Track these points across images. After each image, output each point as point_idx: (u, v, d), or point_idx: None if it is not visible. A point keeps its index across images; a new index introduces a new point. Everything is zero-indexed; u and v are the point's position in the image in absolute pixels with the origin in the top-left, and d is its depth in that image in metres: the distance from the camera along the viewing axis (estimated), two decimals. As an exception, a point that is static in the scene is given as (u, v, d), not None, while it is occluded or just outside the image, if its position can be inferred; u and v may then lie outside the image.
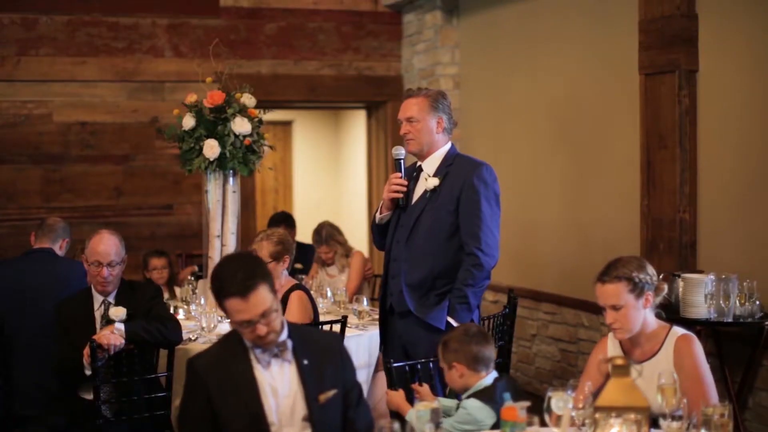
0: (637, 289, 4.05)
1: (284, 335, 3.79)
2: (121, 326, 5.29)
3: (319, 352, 3.84)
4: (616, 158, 7.33)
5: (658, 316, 4.22)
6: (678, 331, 4.12)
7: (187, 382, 3.82)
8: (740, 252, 6.27)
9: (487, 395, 4.16)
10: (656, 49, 6.65)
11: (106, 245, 5.50)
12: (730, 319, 5.83)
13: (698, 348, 4.04)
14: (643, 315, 4.09)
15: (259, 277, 3.68)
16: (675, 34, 6.53)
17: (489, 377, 4.26)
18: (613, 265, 4.10)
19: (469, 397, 4.20)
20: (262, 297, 3.66)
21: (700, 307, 5.87)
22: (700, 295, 5.86)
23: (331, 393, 3.78)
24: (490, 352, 4.29)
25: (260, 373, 3.75)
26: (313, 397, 3.75)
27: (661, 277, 6.18)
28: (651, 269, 4.13)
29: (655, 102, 6.68)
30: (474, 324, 4.47)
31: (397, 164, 5.36)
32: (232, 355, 3.77)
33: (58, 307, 5.59)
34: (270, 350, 3.75)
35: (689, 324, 6.08)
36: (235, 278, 3.66)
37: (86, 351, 5.19)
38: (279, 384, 3.76)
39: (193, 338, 5.81)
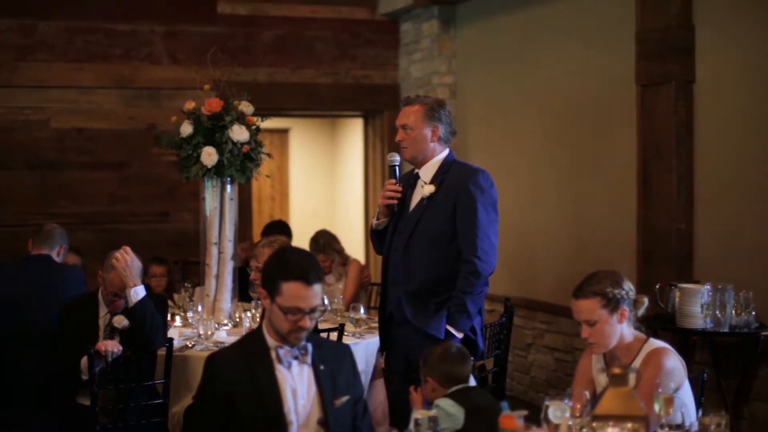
0: (612, 304, 4.06)
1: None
2: (141, 291, 5.36)
3: (333, 359, 3.96)
4: (612, 168, 7.35)
5: (650, 330, 4.23)
6: (653, 344, 4.12)
7: (206, 378, 3.86)
8: (736, 262, 6.28)
9: (456, 396, 4.21)
10: (653, 60, 6.67)
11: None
12: (726, 330, 5.85)
13: (666, 363, 4.01)
14: (619, 330, 4.09)
15: (322, 274, 3.86)
16: (672, 45, 6.55)
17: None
18: (587, 281, 4.12)
19: None
20: (319, 293, 3.82)
21: (697, 318, 5.89)
22: (697, 305, 5.88)
23: (345, 398, 3.91)
24: (465, 371, 4.35)
25: (281, 373, 3.83)
26: (328, 401, 3.86)
27: (657, 287, 6.24)
28: (627, 284, 4.14)
29: (652, 113, 6.71)
30: (455, 345, 4.50)
31: (392, 170, 5.35)
32: (254, 354, 3.85)
33: (63, 309, 5.63)
34: (292, 351, 3.84)
35: (686, 334, 6.12)
36: (305, 265, 3.80)
37: (84, 359, 5.23)
38: (299, 385, 3.85)
39: (190, 345, 5.81)
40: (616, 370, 3.39)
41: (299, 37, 9.73)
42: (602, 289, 4.06)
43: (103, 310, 5.58)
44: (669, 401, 3.64)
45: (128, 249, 5.52)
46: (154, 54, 9.28)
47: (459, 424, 4.13)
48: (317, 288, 3.79)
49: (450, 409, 4.17)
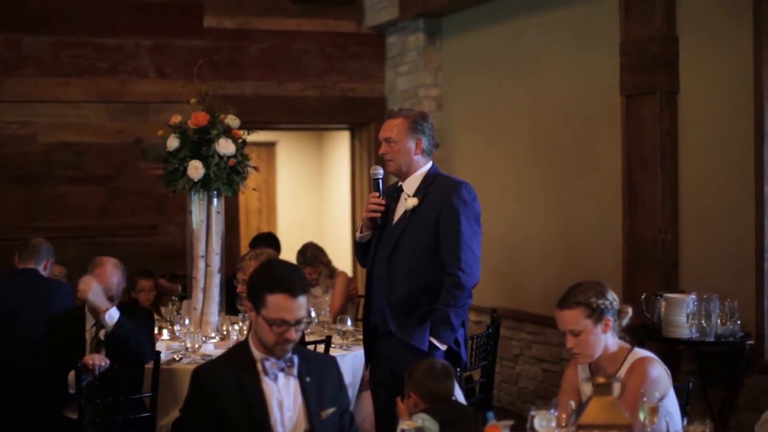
0: (596, 314, 4.07)
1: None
2: (115, 313, 5.37)
3: (319, 372, 3.96)
4: (598, 179, 7.38)
5: (635, 340, 4.24)
6: (638, 353, 4.13)
7: (192, 391, 3.87)
8: (721, 272, 6.31)
9: (432, 410, 4.22)
10: (637, 71, 6.71)
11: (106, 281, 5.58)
12: (711, 339, 5.88)
13: (651, 372, 4.02)
14: (604, 339, 4.10)
15: (307, 286, 3.86)
16: (656, 56, 6.59)
17: None
18: (571, 291, 4.14)
19: None
20: (305, 304, 3.82)
21: (682, 327, 5.91)
22: (682, 315, 5.91)
23: (331, 411, 3.91)
24: (448, 388, 4.34)
25: (268, 385, 3.84)
26: (315, 413, 3.86)
27: (643, 297, 6.26)
28: (611, 294, 4.15)
29: (637, 123, 6.74)
30: (440, 361, 4.49)
31: (375, 183, 5.37)
32: (240, 366, 3.85)
33: (50, 322, 5.62)
34: (279, 363, 3.85)
35: (671, 344, 6.14)
36: (290, 277, 3.82)
37: (71, 373, 5.23)
38: (285, 397, 3.85)
39: (177, 358, 5.81)
40: (601, 380, 3.40)
41: (286, 51, 9.75)
42: (586, 300, 4.08)
43: (89, 323, 5.58)
44: (654, 410, 3.65)
45: (88, 279, 5.51)
46: (141, 68, 9.28)
47: None
48: (302, 300, 3.79)
49: (424, 423, 4.18)
